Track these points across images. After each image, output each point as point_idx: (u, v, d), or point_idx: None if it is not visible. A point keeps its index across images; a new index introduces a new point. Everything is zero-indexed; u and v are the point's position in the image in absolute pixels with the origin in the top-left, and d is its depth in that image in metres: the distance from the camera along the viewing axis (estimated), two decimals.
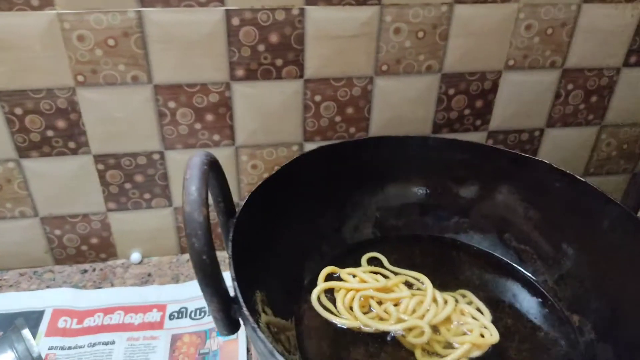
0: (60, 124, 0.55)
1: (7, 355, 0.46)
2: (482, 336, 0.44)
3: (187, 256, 0.68)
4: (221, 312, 0.30)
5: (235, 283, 0.30)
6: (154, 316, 0.58)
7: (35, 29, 0.49)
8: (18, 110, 0.54)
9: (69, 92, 0.53)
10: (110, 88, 0.54)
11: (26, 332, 0.47)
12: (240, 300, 0.29)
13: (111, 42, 0.51)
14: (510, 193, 0.50)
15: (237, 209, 0.38)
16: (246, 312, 0.28)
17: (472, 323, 0.45)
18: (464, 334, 0.44)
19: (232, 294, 0.31)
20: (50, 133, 0.55)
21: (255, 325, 0.28)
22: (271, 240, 0.41)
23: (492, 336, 0.44)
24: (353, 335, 0.44)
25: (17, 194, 0.59)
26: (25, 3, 0.48)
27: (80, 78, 0.53)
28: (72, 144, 0.56)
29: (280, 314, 0.40)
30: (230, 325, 0.31)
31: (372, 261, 0.51)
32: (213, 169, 0.31)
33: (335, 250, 0.50)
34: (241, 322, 0.32)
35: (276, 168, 0.60)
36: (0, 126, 0.54)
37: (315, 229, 0.48)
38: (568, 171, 0.45)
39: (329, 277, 0.46)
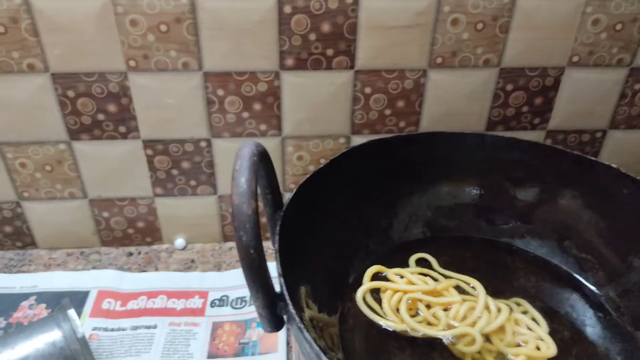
0: (111, 107, 0.55)
1: (53, 334, 0.47)
2: (538, 349, 0.41)
3: (229, 244, 0.68)
4: (266, 309, 0.29)
5: (282, 279, 0.30)
6: (195, 302, 0.58)
7: (89, 13, 0.50)
8: (70, 93, 0.54)
9: (120, 76, 0.54)
10: (161, 74, 0.54)
11: (72, 312, 0.47)
12: (287, 297, 0.28)
13: (163, 27, 0.51)
14: (573, 198, 0.47)
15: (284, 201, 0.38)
16: (293, 311, 0.27)
17: (528, 334, 0.42)
18: (518, 345, 0.42)
19: (277, 289, 0.30)
20: (101, 116, 0.56)
21: (302, 325, 0.27)
22: (318, 235, 0.40)
23: (549, 349, 0.41)
24: (398, 339, 0.42)
25: (67, 175, 0.60)
26: None
27: (132, 63, 0.53)
28: (122, 128, 0.57)
29: (324, 310, 0.39)
30: (274, 322, 0.30)
31: (421, 262, 0.49)
32: (262, 160, 0.30)
33: (382, 249, 0.48)
34: (285, 319, 0.31)
35: (322, 160, 0.60)
36: (53, 108, 0.55)
37: (362, 225, 0.47)
38: (638, 177, 0.42)
39: (375, 277, 0.45)
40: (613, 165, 0.44)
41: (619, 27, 0.55)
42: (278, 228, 0.33)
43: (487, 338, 0.42)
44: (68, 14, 0.49)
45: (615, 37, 0.56)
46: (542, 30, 0.54)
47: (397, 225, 0.49)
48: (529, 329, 0.43)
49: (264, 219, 0.45)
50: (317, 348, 0.25)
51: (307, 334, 0.26)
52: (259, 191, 0.34)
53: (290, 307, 0.27)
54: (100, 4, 0.49)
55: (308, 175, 0.39)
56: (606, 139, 0.63)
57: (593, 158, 0.45)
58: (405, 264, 0.48)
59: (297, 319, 0.27)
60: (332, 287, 0.42)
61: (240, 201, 0.26)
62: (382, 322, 0.41)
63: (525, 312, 0.45)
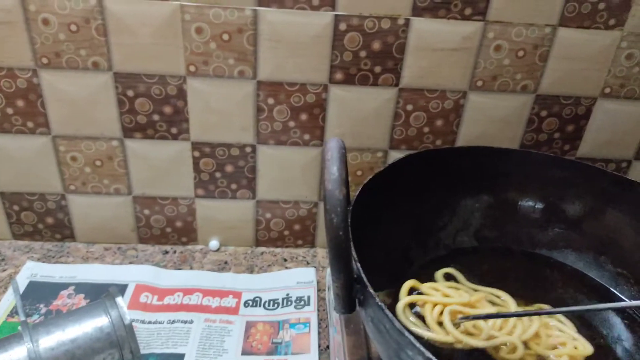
0: (167, 109, 0.58)
1: (101, 320, 0.48)
2: (575, 348, 0.43)
3: (261, 249, 0.70)
4: (344, 290, 0.31)
5: (358, 264, 0.32)
6: (229, 302, 0.60)
7: (158, 18, 0.53)
8: (130, 93, 0.57)
9: (179, 80, 0.57)
10: (217, 80, 0.57)
11: (120, 300, 0.49)
12: (365, 279, 0.31)
13: (225, 36, 0.54)
14: (613, 215, 0.50)
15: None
16: (372, 291, 0.30)
17: (562, 335, 0.44)
18: (555, 347, 0.44)
19: None
20: (156, 117, 0.59)
21: (382, 304, 0.29)
22: (377, 234, 0.43)
23: (586, 348, 0.43)
24: (436, 348, 0.44)
25: (116, 171, 0.62)
26: None
27: (192, 68, 0.56)
28: (174, 130, 0.60)
29: None
30: (349, 304, 0.33)
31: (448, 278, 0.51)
32: (345, 155, 0.32)
33: (433, 253, 0.50)
34: (357, 303, 0.33)
35: (359, 172, 0.62)
36: (112, 106, 0.58)
37: (416, 229, 0.49)
38: None
39: (410, 292, 0.46)
40: None
41: None
42: (349, 221, 0.36)
43: (524, 344, 0.44)
44: (138, 17, 0.53)
45: None
46: (579, 61, 0.58)
47: (447, 233, 0.52)
48: (560, 331, 0.45)
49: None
50: (399, 324, 0.27)
51: (387, 311, 0.28)
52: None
53: (369, 288, 0.30)
54: (169, 10, 0.52)
55: (371, 177, 0.42)
56: (631, 169, 0.66)
57: (632, 179, 0.48)
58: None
59: (377, 298, 0.29)
60: (387, 284, 0.44)
61: (332, 187, 0.28)
62: (427, 335, 0.42)
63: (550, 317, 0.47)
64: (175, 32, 0.54)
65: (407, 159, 0.46)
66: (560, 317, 0.47)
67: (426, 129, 0.61)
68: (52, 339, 0.47)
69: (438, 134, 0.62)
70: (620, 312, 0.48)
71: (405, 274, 0.46)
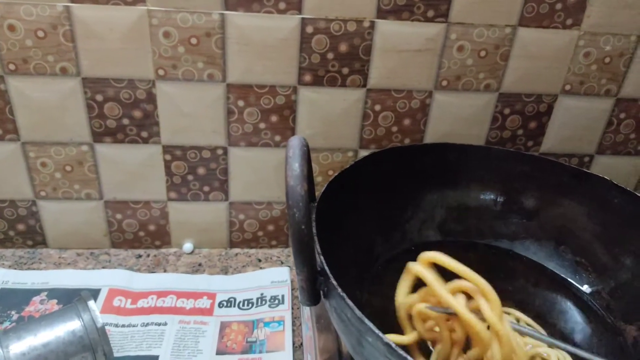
0: (137, 113, 0.59)
1: (74, 323, 0.48)
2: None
3: (235, 250, 0.70)
4: (308, 282, 0.32)
5: (322, 257, 0.33)
6: (204, 303, 0.61)
7: (125, 23, 0.53)
8: (99, 97, 0.57)
9: (148, 84, 0.57)
10: (187, 83, 0.57)
11: (92, 303, 0.49)
12: (328, 271, 0.32)
13: (194, 40, 0.55)
14: (570, 206, 0.52)
15: None
16: (334, 282, 0.31)
17: (540, 345, 0.45)
18: (533, 357, 0.45)
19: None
20: (126, 121, 0.59)
21: (344, 294, 0.30)
22: (342, 230, 0.44)
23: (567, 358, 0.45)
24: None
25: (87, 176, 0.62)
26: None
27: (160, 72, 0.56)
28: (144, 133, 0.60)
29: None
30: (314, 296, 0.34)
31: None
32: (308, 152, 0.33)
33: (399, 247, 0.52)
34: (322, 295, 0.34)
35: (331, 172, 0.63)
36: (81, 111, 0.58)
37: (381, 224, 0.50)
38: (628, 188, 0.47)
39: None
40: (606, 177, 0.49)
41: (607, 60, 0.61)
42: (314, 216, 0.37)
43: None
44: (105, 22, 0.53)
45: (604, 69, 0.61)
46: (539, 59, 0.60)
47: (413, 227, 0.53)
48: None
49: None
50: (359, 312, 0.28)
51: (349, 301, 0.29)
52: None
53: (332, 279, 0.31)
54: (137, 14, 0.53)
55: (337, 173, 0.43)
56: (593, 163, 0.68)
57: (589, 171, 0.50)
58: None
59: (339, 288, 0.30)
60: (353, 278, 0.45)
61: (294, 183, 0.29)
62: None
63: (518, 320, 0.49)
64: (143, 37, 0.54)
65: (372, 157, 0.47)
66: (528, 320, 0.48)
67: (394, 128, 0.63)
68: (23, 344, 0.46)
69: (406, 133, 0.63)
70: (577, 298, 0.50)
71: (371, 267, 0.48)
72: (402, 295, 0.38)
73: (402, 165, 0.50)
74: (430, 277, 0.36)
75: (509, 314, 0.49)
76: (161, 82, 0.57)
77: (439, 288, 0.35)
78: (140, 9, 0.53)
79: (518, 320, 0.49)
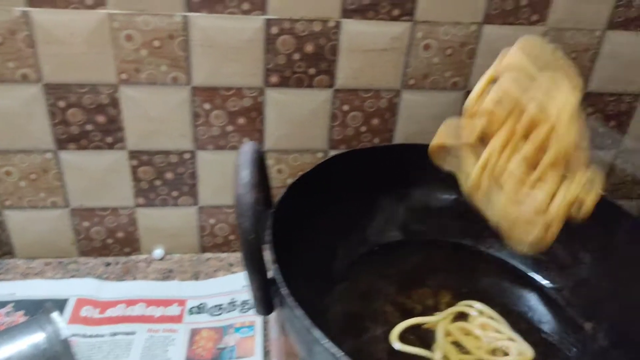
0: (100, 118, 0.57)
1: (37, 336, 0.47)
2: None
3: (207, 255, 0.69)
4: (260, 291, 0.32)
5: (276, 265, 0.32)
6: (174, 310, 0.60)
7: (86, 27, 0.52)
8: (61, 103, 0.56)
9: (111, 88, 0.56)
10: (151, 87, 0.56)
11: (55, 315, 0.48)
12: (279, 280, 0.31)
13: (156, 43, 0.54)
14: None
15: None
16: (285, 292, 0.30)
17: (500, 337, 0.46)
18: (494, 350, 0.45)
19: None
20: (89, 127, 0.58)
21: (295, 303, 0.29)
22: (302, 235, 0.43)
23: (528, 352, 0.45)
24: (379, 340, 0.45)
25: (52, 184, 0.61)
26: (79, 2, 0.51)
27: (123, 76, 0.55)
28: (109, 139, 0.59)
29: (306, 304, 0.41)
30: (267, 305, 0.33)
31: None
32: (260, 158, 0.33)
33: (361, 249, 0.51)
34: (276, 303, 0.34)
35: (300, 174, 0.63)
36: (43, 118, 0.57)
37: (343, 227, 0.50)
38: None
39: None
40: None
41: (573, 55, 0.61)
42: (270, 223, 0.36)
43: (463, 349, 0.45)
44: (66, 27, 0.52)
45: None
46: None
47: (374, 228, 0.53)
48: (497, 331, 0.47)
49: None
50: (308, 322, 0.27)
51: (298, 311, 0.28)
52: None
53: (283, 287, 0.30)
54: (97, 18, 0.52)
55: (296, 178, 0.42)
56: None
57: None
58: (382, 266, 0.51)
59: (290, 297, 0.29)
60: (314, 283, 0.45)
61: (242, 191, 0.29)
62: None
63: (482, 313, 0.49)
64: (105, 41, 0.53)
65: (332, 160, 0.47)
66: (495, 315, 0.48)
67: (363, 128, 0.62)
68: None
69: (375, 133, 0.63)
70: (540, 293, 0.50)
71: (333, 271, 0.47)
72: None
73: (364, 167, 0.50)
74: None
75: (471, 306, 0.49)
76: (124, 86, 0.56)
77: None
78: (101, 13, 0.52)
79: (481, 312, 0.49)
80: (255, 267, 0.30)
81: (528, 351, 0.45)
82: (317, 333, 0.27)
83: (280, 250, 0.35)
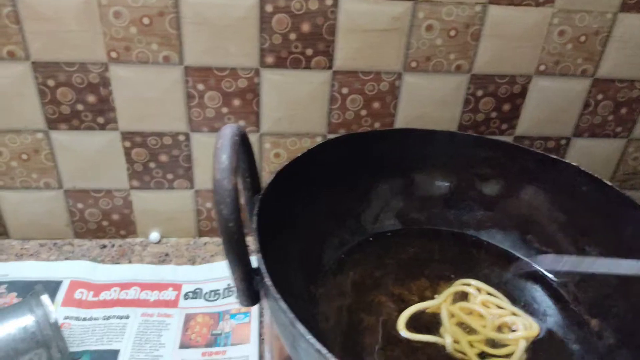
0: (91, 98, 0.56)
1: (26, 319, 0.47)
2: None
3: (204, 239, 0.68)
4: (244, 282, 0.30)
5: (260, 255, 0.31)
6: (169, 295, 0.59)
7: (73, 3, 0.51)
8: (50, 82, 0.55)
9: (101, 67, 0.54)
10: (142, 66, 0.55)
11: (45, 298, 0.48)
12: (264, 270, 0.30)
13: (146, 20, 0.52)
14: (536, 194, 0.50)
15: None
16: (269, 282, 0.29)
17: (504, 312, 0.45)
18: (499, 326, 0.44)
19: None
20: (80, 107, 0.56)
21: (278, 295, 0.28)
22: (293, 221, 0.42)
23: (533, 326, 0.44)
24: (370, 329, 0.44)
25: (44, 164, 0.60)
26: None
27: (113, 54, 0.54)
28: (100, 119, 0.57)
29: (296, 295, 0.40)
30: (251, 297, 0.32)
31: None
32: (243, 142, 0.31)
33: (355, 238, 0.50)
34: (261, 294, 0.32)
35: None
36: (33, 97, 0.55)
37: (336, 214, 0.48)
38: (596, 175, 0.45)
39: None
40: (573, 163, 0.47)
41: (582, 39, 0.58)
42: (257, 209, 0.35)
43: (470, 329, 0.44)
44: (52, 3, 0.50)
45: (579, 49, 0.59)
46: (511, 39, 0.57)
47: (369, 216, 0.51)
48: (499, 307, 0.46)
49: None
50: (292, 315, 0.26)
51: (282, 303, 0.27)
52: (238, 174, 0.35)
53: (267, 278, 0.29)
54: None
55: (287, 162, 0.41)
56: (570, 146, 0.66)
57: (555, 157, 0.48)
58: (377, 254, 0.50)
59: (273, 289, 0.28)
60: (306, 272, 0.44)
61: (221, 177, 0.27)
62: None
63: (479, 290, 0.48)
64: (93, 18, 0.51)
65: (327, 144, 0.45)
66: (495, 292, 0.47)
67: (363, 112, 0.60)
68: None
69: (376, 117, 0.61)
70: (545, 286, 0.49)
71: (326, 261, 0.46)
72: None
73: (359, 152, 0.48)
74: None
75: (468, 285, 0.48)
76: (114, 65, 0.54)
77: None
78: None
79: (479, 290, 0.48)
80: (236, 256, 0.29)
81: (534, 325, 0.44)
82: (301, 328, 0.26)
83: (267, 238, 0.33)
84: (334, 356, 0.24)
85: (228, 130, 0.29)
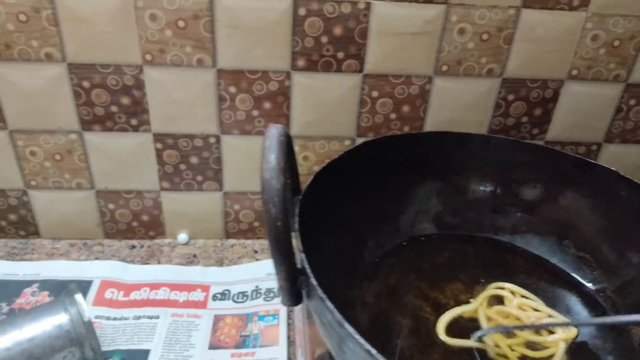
0: (125, 100, 0.57)
1: (60, 317, 0.47)
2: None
3: (231, 241, 0.69)
4: (288, 282, 0.30)
5: (303, 255, 0.31)
6: (197, 295, 0.59)
7: (109, 5, 0.51)
8: (85, 84, 0.55)
9: (136, 69, 0.55)
10: (175, 69, 0.55)
11: (79, 297, 0.48)
12: (308, 270, 0.30)
13: (181, 23, 0.53)
14: (574, 199, 0.49)
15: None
16: (314, 282, 0.29)
17: (541, 314, 0.44)
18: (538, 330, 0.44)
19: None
20: (114, 108, 0.57)
21: (324, 295, 0.28)
22: (330, 224, 0.42)
23: (571, 329, 0.44)
24: (404, 331, 0.43)
25: (77, 165, 0.61)
26: None
27: (148, 57, 0.54)
28: (134, 121, 0.58)
29: (335, 297, 0.40)
30: (294, 296, 0.32)
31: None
32: (287, 142, 0.31)
33: (391, 242, 0.50)
34: (304, 294, 0.32)
35: (327, 161, 0.61)
36: (67, 98, 0.56)
37: (373, 217, 0.48)
38: (635, 180, 0.45)
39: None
40: (612, 168, 0.47)
41: (616, 43, 0.58)
42: (298, 210, 0.35)
43: (509, 333, 0.43)
44: (89, 5, 0.51)
45: (612, 53, 0.58)
46: (544, 43, 0.57)
47: (407, 220, 0.51)
48: (536, 310, 0.45)
49: None
50: (339, 316, 0.26)
51: (329, 303, 0.27)
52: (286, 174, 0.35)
53: (312, 278, 0.29)
54: None
55: (324, 165, 0.41)
56: (601, 151, 0.65)
57: (593, 161, 0.47)
58: (413, 259, 0.50)
59: (319, 289, 0.28)
60: (343, 275, 0.44)
61: (269, 176, 0.27)
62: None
63: (513, 293, 0.47)
64: (128, 20, 0.52)
65: (364, 146, 0.45)
66: (529, 294, 0.47)
67: (393, 116, 0.60)
68: (7, 339, 0.45)
69: (405, 121, 0.61)
70: (581, 294, 0.48)
71: (363, 262, 0.46)
72: None
73: (396, 155, 0.48)
74: None
75: (502, 288, 0.48)
76: (149, 67, 0.55)
77: None
78: None
79: (513, 293, 0.47)
80: (282, 255, 0.29)
81: (571, 327, 0.44)
82: (350, 328, 0.26)
83: (308, 239, 0.33)
84: (383, 357, 0.24)
85: (275, 131, 0.29)
